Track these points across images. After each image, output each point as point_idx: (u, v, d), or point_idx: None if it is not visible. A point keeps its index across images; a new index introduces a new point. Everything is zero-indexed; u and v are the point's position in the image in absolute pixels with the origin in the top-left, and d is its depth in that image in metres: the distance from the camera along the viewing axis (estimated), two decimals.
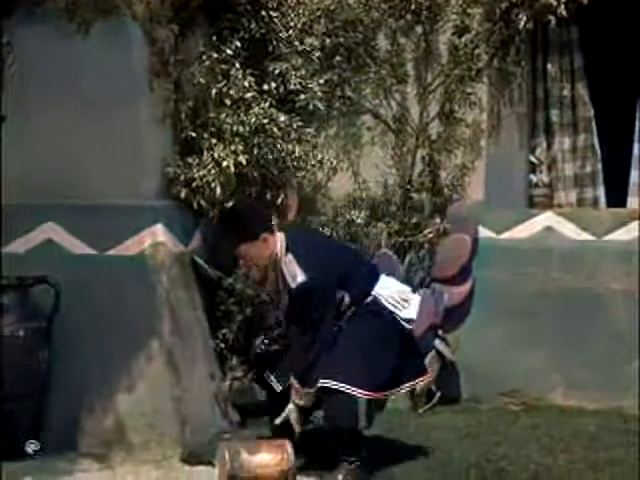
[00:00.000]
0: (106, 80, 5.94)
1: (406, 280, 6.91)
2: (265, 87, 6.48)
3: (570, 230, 7.30)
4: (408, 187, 7.45)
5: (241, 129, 6.23)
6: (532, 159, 7.91)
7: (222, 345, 6.32)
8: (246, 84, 6.31)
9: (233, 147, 6.18)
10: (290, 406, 5.31)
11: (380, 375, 5.24)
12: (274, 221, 5.58)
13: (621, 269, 7.02)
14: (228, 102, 6.28)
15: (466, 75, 7.35)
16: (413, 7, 7.38)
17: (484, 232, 7.34)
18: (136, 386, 5.74)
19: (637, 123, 7.52)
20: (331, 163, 6.81)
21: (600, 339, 6.91)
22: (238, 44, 6.46)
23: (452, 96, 7.41)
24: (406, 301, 5.42)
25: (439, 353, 6.93)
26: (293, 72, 6.68)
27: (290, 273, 5.24)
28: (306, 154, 6.61)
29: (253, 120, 6.26)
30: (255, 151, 6.30)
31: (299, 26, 7.06)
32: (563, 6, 7.00)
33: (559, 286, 7.14)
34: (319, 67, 7.07)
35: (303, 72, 6.76)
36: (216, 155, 6.15)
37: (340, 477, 5.20)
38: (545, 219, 7.39)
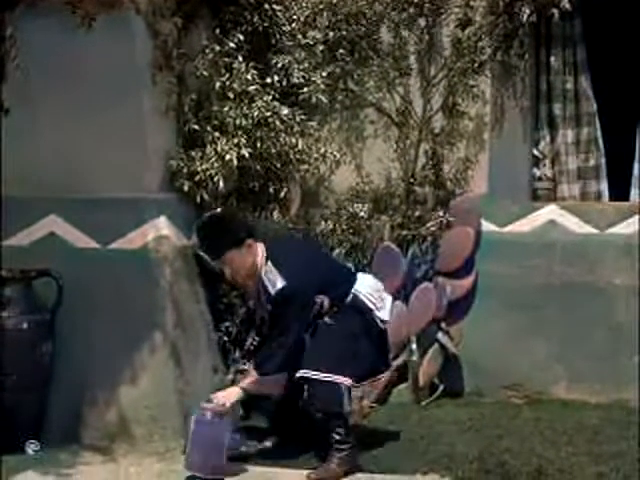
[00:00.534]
0: (109, 73, 5.93)
1: (409, 273, 6.95)
2: (268, 80, 6.48)
3: (573, 223, 7.29)
4: (411, 180, 7.44)
5: (244, 122, 6.24)
6: (535, 152, 7.90)
7: (225, 338, 6.33)
8: (249, 77, 6.31)
9: (236, 140, 6.19)
10: (236, 389, 5.44)
11: (358, 367, 5.42)
12: (255, 229, 5.70)
13: (624, 262, 7.00)
14: (231, 95, 6.28)
15: (469, 68, 7.32)
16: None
17: (487, 225, 7.33)
18: (139, 379, 5.74)
19: None
20: (334, 156, 6.80)
21: (603, 332, 6.90)
22: (241, 37, 6.46)
23: (455, 89, 7.39)
24: (382, 300, 5.58)
25: (442, 346, 6.94)
26: (296, 65, 6.68)
27: (270, 281, 5.37)
28: (309, 147, 6.61)
29: (256, 113, 6.26)
30: (258, 144, 6.31)
31: (302, 19, 7.07)
32: None
33: (562, 279, 7.13)
34: (322, 60, 7.05)
35: (306, 65, 6.76)
36: (219, 148, 6.16)
37: (334, 466, 5.27)
38: (548, 212, 7.38)
